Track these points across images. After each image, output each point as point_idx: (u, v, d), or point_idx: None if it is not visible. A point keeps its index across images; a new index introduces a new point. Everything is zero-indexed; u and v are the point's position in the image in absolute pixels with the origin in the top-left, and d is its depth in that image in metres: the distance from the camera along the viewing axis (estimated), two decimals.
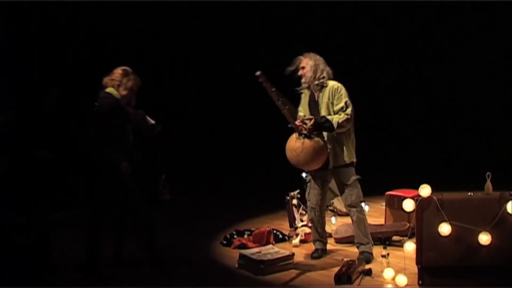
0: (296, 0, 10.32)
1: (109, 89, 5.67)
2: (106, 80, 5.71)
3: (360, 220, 5.79)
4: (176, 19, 10.36)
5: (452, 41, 10.45)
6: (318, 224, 6.01)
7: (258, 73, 5.48)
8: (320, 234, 6.05)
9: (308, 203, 6.09)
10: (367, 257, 5.72)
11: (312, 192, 5.98)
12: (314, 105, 5.82)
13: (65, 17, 9.53)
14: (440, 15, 10.34)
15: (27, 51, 9.25)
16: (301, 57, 5.84)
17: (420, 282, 5.00)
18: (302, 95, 5.94)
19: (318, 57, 5.82)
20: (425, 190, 4.97)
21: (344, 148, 5.72)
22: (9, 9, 8.83)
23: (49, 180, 5.85)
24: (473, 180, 5.43)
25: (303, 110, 5.92)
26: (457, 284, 4.85)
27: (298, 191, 7.36)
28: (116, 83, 5.67)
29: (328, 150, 5.70)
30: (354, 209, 5.79)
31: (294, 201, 7.15)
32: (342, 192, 5.84)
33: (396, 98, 10.23)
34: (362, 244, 5.81)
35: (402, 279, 5.10)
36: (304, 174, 8.07)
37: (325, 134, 5.72)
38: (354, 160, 5.79)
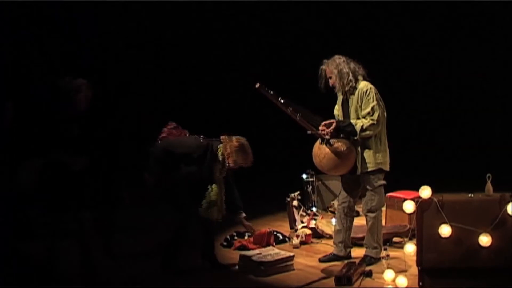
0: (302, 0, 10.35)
1: (220, 149, 5.66)
2: (223, 139, 5.67)
3: (373, 226, 5.71)
4: (177, 20, 10.38)
5: (451, 41, 10.45)
6: (338, 227, 5.88)
7: (257, 85, 5.34)
8: (338, 239, 5.90)
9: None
10: (369, 262, 5.68)
11: (340, 194, 5.90)
12: (346, 106, 5.70)
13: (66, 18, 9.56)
14: (440, 15, 10.34)
15: (26, 52, 9.27)
16: (322, 67, 5.66)
17: (421, 283, 5.00)
18: (338, 94, 5.79)
19: (338, 60, 5.60)
20: (425, 192, 4.96)
21: (372, 153, 5.58)
22: (9, 9, 8.84)
23: (81, 186, 5.76)
24: (474, 181, 5.44)
25: (338, 109, 5.83)
26: (457, 285, 4.85)
27: (298, 192, 7.37)
28: (228, 152, 5.63)
29: (355, 155, 5.59)
30: (371, 214, 5.69)
31: (295, 203, 7.16)
32: (364, 196, 5.73)
33: (396, 98, 10.22)
34: (369, 247, 5.78)
35: (402, 281, 5.10)
36: (304, 176, 8.10)
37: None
38: (383, 167, 5.62)
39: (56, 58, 9.48)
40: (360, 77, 5.64)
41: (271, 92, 5.40)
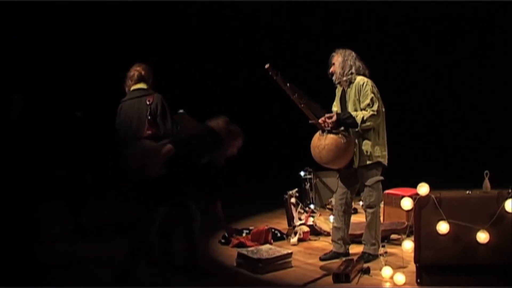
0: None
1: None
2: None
3: (372, 221, 5.71)
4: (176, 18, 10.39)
5: (450, 40, 10.46)
6: (337, 224, 5.88)
7: (267, 66, 5.31)
8: (336, 236, 5.89)
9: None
10: (368, 259, 5.68)
11: (337, 191, 5.91)
12: (343, 101, 5.73)
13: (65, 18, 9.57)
14: (439, 14, 10.34)
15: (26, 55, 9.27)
16: (333, 53, 5.74)
17: (418, 280, 5.01)
18: (336, 90, 5.84)
19: (348, 52, 5.69)
20: (423, 189, 4.96)
21: (370, 147, 5.60)
22: (9, 9, 8.84)
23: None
24: (471, 178, 5.44)
25: (336, 105, 5.85)
26: (455, 282, 4.85)
27: (296, 189, 7.37)
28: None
29: (354, 148, 5.59)
30: (370, 210, 5.70)
31: (293, 200, 7.15)
32: (362, 191, 5.73)
33: (394, 96, 10.22)
34: (367, 244, 5.78)
35: (400, 278, 5.10)
36: (302, 173, 8.10)
37: (351, 131, 5.61)
38: (381, 160, 5.64)
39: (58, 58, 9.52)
40: (356, 74, 5.67)
41: (279, 75, 5.39)
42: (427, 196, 4.95)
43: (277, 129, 10.27)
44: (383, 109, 5.64)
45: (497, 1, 9.57)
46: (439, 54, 10.56)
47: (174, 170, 5.05)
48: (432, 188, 4.99)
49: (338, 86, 5.80)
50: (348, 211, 5.86)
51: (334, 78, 5.73)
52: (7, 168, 5.60)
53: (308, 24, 10.68)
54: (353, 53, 5.71)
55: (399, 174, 7.29)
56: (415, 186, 5.06)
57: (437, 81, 10.65)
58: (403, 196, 5.36)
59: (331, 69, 5.72)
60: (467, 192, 5.02)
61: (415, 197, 5.00)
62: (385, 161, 5.70)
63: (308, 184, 8.07)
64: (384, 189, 6.83)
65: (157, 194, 5.09)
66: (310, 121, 5.63)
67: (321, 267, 5.70)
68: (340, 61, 5.66)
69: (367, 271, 5.41)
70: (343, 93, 5.74)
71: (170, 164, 5.03)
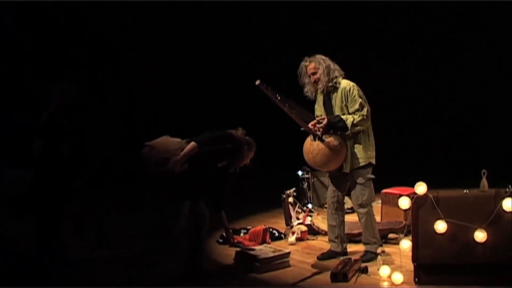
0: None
1: None
2: None
3: (368, 222, 5.72)
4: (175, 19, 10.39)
5: (450, 40, 10.46)
6: (331, 223, 5.89)
7: (257, 82, 5.34)
8: (333, 234, 5.90)
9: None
10: (370, 258, 5.67)
11: (328, 190, 5.93)
12: (329, 106, 5.73)
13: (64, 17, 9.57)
14: (443, 15, 10.34)
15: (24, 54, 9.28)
16: (305, 63, 5.72)
17: (416, 279, 5.01)
18: (317, 95, 5.83)
19: (323, 57, 5.69)
20: (420, 188, 4.97)
21: (362, 149, 5.63)
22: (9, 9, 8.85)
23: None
24: (469, 177, 5.43)
25: (319, 110, 5.85)
26: (453, 281, 4.85)
27: (294, 189, 7.37)
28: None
29: (346, 150, 5.61)
30: (363, 210, 5.69)
31: (290, 199, 7.15)
32: (354, 190, 5.74)
33: (391, 96, 10.24)
34: (368, 243, 5.78)
35: (398, 277, 5.10)
36: (300, 172, 8.10)
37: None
38: (372, 161, 5.68)
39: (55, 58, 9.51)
40: (340, 77, 5.69)
41: (269, 89, 5.42)
42: (425, 195, 4.95)
43: (275, 128, 10.25)
44: (369, 110, 5.65)
45: (497, 1, 9.58)
46: (438, 53, 10.56)
47: (193, 168, 5.17)
48: (429, 187, 4.99)
49: (319, 92, 5.79)
50: (340, 208, 5.87)
51: (319, 86, 5.69)
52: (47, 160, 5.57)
53: (308, 24, 10.68)
54: (324, 56, 5.70)
55: (397, 173, 7.31)
56: (412, 185, 5.06)
57: (435, 80, 10.65)
58: (401, 195, 5.38)
59: (313, 78, 5.67)
60: (465, 191, 5.03)
61: (413, 196, 5.00)
62: (374, 161, 5.73)
63: (306, 184, 8.07)
64: (381, 188, 6.86)
65: (177, 189, 5.16)
66: (301, 129, 5.67)
67: (319, 267, 5.70)
68: (324, 67, 5.63)
69: (365, 270, 5.41)
70: (327, 98, 5.75)
71: (191, 161, 5.15)
